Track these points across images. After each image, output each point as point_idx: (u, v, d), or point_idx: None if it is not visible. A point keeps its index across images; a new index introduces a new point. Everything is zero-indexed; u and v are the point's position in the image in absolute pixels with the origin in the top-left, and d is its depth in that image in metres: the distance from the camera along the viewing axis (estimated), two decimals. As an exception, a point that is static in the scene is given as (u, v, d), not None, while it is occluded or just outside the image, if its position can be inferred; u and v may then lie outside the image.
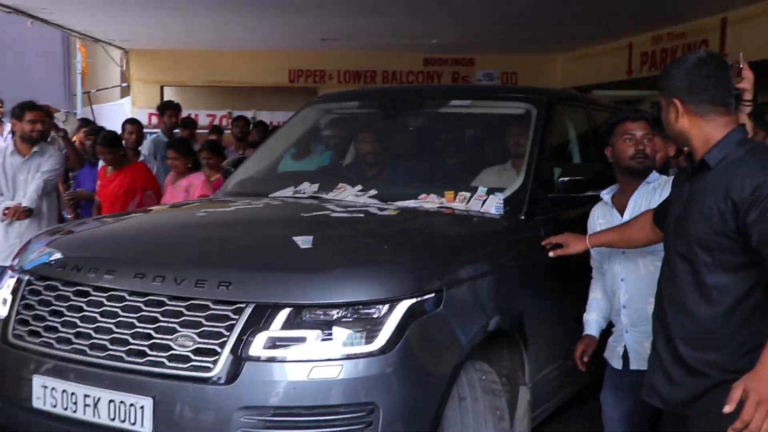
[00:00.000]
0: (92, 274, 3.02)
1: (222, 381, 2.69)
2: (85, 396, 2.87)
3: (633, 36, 10.63)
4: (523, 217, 3.74)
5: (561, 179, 3.90)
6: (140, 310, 2.88)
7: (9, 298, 3.28)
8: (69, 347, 2.98)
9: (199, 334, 2.77)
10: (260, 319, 2.72)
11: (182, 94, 14.03)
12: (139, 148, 7.91)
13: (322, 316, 2.73)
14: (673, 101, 2.47)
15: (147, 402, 2.75)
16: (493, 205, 3.76)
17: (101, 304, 2.96)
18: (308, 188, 4.20)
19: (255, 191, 4.40)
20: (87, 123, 8.61)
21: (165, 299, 2.84)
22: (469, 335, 2.99)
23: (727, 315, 2.40)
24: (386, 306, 2.76)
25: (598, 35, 10.89)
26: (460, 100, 4.55)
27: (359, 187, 4.06)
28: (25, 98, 6.02)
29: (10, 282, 3.35)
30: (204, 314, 2.78)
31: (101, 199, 6.68)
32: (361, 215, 3.61)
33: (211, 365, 2.72)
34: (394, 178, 4.45)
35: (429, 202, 3.83)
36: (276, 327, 2.71)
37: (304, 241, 3.05)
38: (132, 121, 8.18)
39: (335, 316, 2.72)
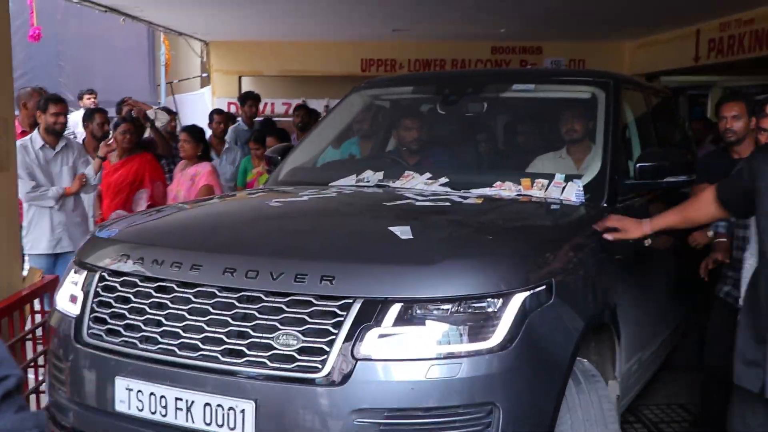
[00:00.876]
0: (175, 269, 2.80)
1: (332, 382, 2.49)
2: (177, 399, 2.66)
3: (700, 23, 10.57)
4: (605, 204, 3.57)
5: (640, 165, 3.73)
6: (234, 307, 2.67)
7: (80, 295, 3.05)
8: (155, 347, 2.77)
9: (304, 332, 2.56)
10: (370, 315, 2.51)
11: (259, 83, 14.39)
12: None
13: (435, 312, 2.53)
14: None
15: (248, 405, 2.55)
16: (574, 192, 3.59)
17: (189, 301, 2.75)
18: (372, 176, 3.99)
19: (312, 180, 4.19)
20: (170, 112, 9.03)
21: (261, 295, 2.63)
22: (578, 329, 2.81)
23: None
24: (500, 300, 2.56)
25: (666, 22, 10.87)
26: (521, 85, 4.36)
27: (428, 174, 3.86)
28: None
29: (78, 278, 3.13)
30: (307, 311, 2.57)
31: (104, 188, 6.57)
32: (447, 204, 3.41)
33: (319, 365, 2.51)
34: (457, 166, 4.24)
35: (505, 189, 3.65)
36: (388, 324, 2.51)
37: (403, 232, 2.85)
38: (219, 112, 8.70)
39: (450, 311, 2.53)
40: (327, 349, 2.52)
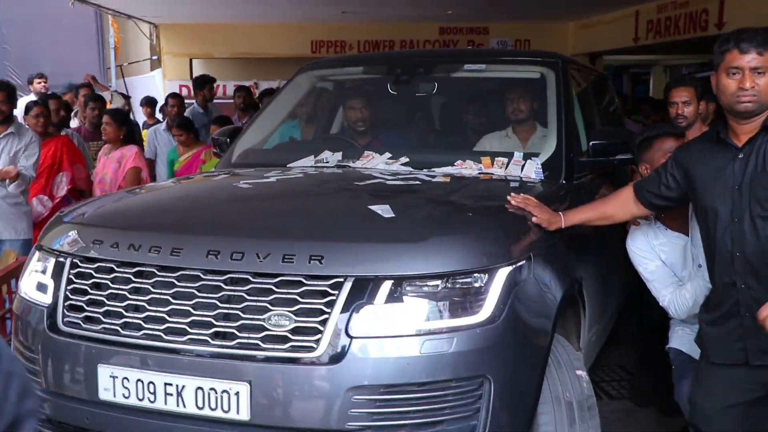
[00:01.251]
0: (154, 253, 2.74)
1: (328, 361, 2.50)
2: (166, 384, 2.62)
3: (639, 4, 10.94)
4: (563, 181, 3.68)
5: (593, 143, 3.86)
6: (221, 289, 2.64)
7: (50, 282, 2.96)
8: (140, 333, 2.71)
9: (296, 312, 2.55)
10: (362, 293, 2.53)
11: (210, 66, 14.21)
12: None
13: (425, 288, 2.57)
14: None
15: (243, 387, 2.53)
16: (533, 170, 3.67)
17: (172, 285, 2.70)
18: (330, 157, 3.98)
19: (269, 162, 4.14)
20: (124, 96, 9.38)
21: (249, 277, 2.61)
22: (557, 301, 2.90)
23: None
24: (486, 274, 2.63)
25: (607, 3, 11.16)
26: (472, 65, 4.42)
27: (388, 154, 3.88)
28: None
29: (45, 265, 3.03)
30: (298, 291, 2.56)
31: None
32: (418, 183, 3.43)
33: (314, 345, 2.52)
34: (409, 146, 4.25)
35: (466, 168, 3.71)
36: (380, 301, 2.53)
37: (384, 211, 2.87)
38: (174, 96, 8.68)
39: (440, 287, 2.57)
40: (321, 328, 2.52)
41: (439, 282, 2.58)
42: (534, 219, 3.01)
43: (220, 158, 4.54)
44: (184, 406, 2.60)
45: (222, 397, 2.55)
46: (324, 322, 2.52)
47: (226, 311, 2.62)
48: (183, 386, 2.61)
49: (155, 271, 2.74)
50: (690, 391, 3.09)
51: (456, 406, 2.54)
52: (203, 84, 8.86)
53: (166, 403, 2.63)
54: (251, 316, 2.59)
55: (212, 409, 2.57)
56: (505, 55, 4.69)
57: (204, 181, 3.92)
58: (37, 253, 3.15)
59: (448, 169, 3.70)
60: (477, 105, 4.48)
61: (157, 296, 2.72)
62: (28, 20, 11.34)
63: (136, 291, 2.76)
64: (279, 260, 2.60)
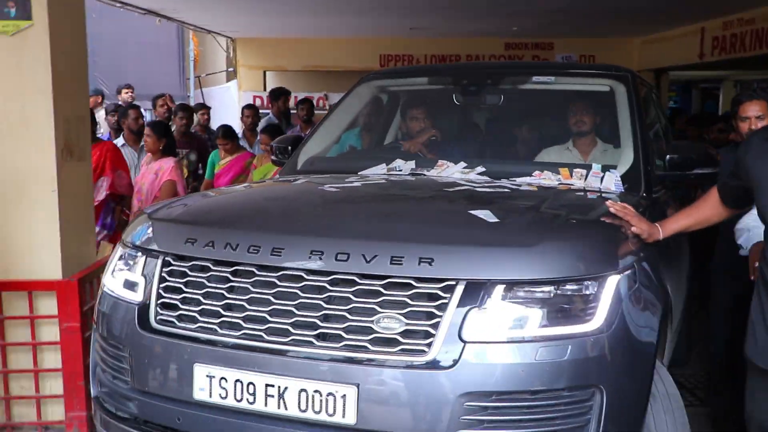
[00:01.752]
0: (253, 252, 2.67)
1: (440, 365, 2.42)
2: (267, 386, 2.54)
3: (705, 21, 11.08)
4: (644, 194, 3.62)
5: (670, 156, 3.81)
6: (326, 290, 2.56)
7: (141, 280, 2.89)
8: (239, 333, 2.64)
9: (406, 315, 2.48)
10: (475, 297, 2.46)
11: (283, 78, 15.00)
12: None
13: (537, 294, 2.49)
14: None
15: (350, 390, 2.45)
16: (613, 182, 3.62)
17: (273, 285, 2.63)
18: (404, 165, 3.92)
19: (337, 169, 4.08)
20: (203, 106, 9.99)
21: (355, 278, 2.54)
22: (659, 312, 2.83)
23: None
24: (597, 282, 2.55)
25: (672, 19, 11.38)
26: (541, 77, 4.37)
27: (463, 164, 3.82)
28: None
29: (136, 262, 2.95)
30: (407, 293, 2.49)
31: None
32: (507, 191, 3.35)
33: (425, 348, 2.44)
34: (483, 154, 4.19)
35: (545, 179, 3.65)
36: (493, 305, 2.45)
37: (487, 215, 2.80)
38: (249, 107, 9.39)
39: (552, 293, 2.50)
40: (432, 331, 2.44)
41: (551, 288, 2.50)
42: (633, 229, 2.95)
43: (278, 164, 4.50)
44: (286, 409, 2.52)
45: (327, 399, 2.47)
46: (436, 326, 2.44)
47: (332, 312, 2.55)
48: (285, 388, 2.52)
49: (254, 270, 2.66)
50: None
51: (567, 417, 2.46)
52: (278, 96, 9.44)
53: (266, 405, 2.55)
54: (359, 318, 2.52)
55: (316, 412, 2.49)
56: (575, 67, 4.63)
57: (285, 185, 3.85)
58: (121, 250, 3.09)
59: (527, 179, 3.64)
60: (545, 117, 4.44)
61: (258, 296, 2.64)
62: (116, 35, 12.06)
63: (234, 290, 2.69)
64: (387, 262, 2.52)
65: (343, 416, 2.46)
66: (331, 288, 2.56)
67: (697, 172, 3.78)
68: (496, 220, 2.77)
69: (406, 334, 2.47)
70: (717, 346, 4.46)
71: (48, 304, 4.19)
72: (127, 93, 9.85)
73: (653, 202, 3.63)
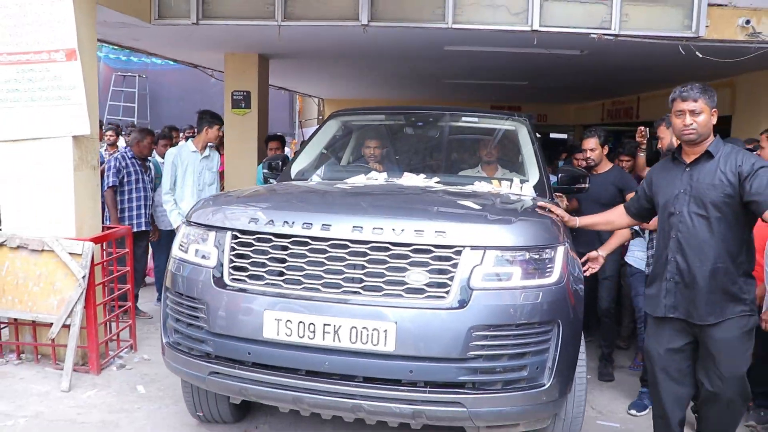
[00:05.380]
0: (306, 228, 3.02)
1: (456, 306, 2.87)
2: (325, 325, 2.87)
3: (604, 99, 15.31)
4: (549, 199, 4.31)
5: (561, 174, 4.59)
6: (366, 254, 2.94)
7: (212, 251, 3.18)
8: (300, 287, 2.96)
9: (429, 271, 2.92)
10: (477, 258, 2.91)
11: None
12: None
13: (519, 256, 2.98)
14: (713, 109, 3.29)
15: (390, 326, 2.83)
16: (529, 190, 4.31)
17: (325, 251, 2.98)
18: (378, 176, 4.32)
19: (328, 178, 4.45)
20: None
21: (389, 245, 2.96)
22: (581, 271, 3.44)
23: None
24: (552, 249, 3.08)
25: (589, 98, 15.54)
26: (469, 116, 5.07)
27: (423, 175, 4.29)
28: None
29: (206, 236, 3.22)
30: (429, 256, 2.91)
31: None
32: (470, 192, 3.83)
33: (445, 295, 2.87)
34: (432, 169, 4.71)
35: (483, 187, 4.25)
36: (489, 264, 2.91)
37: (472, 204, 3.39)
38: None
39: (528, 256, 2.99)
40: (449, 283, 2.88)
41: (527, 252, 2.99)
42: (561, 217, 3.57)
43: (270, 177, 4.88)
44: (339, 341, 2.86)
45: (372, 333, 2.84)
46: (451, 279, 2.88)
47: (373, 270, 2.92)
48: (339, 326, 2.87)
49: (308, 240, 3.01)
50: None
51: (538, 342, 2.96)
52: None
53: (323, 339, 2.87)
54: (394, 274, 2.90)
55: (363, 343, 2.84)
56: (491, 113, 5.34)
57: (305, 185, 4.14)
58: (187, 227, 3.34)
59: (471, 187, 4.16)
60: (468, 145, 5.11)
61: (313, 259, 2.98)
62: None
63: (295, 256, 3.00)
64: (412, 233, 2.94)
65: (385, 345, 2.84)
66: (371, 252, 2.95)
67: (577, 186, 4.60)
68: (479, 207, 3.37)
69: (429, 285, 2.89)
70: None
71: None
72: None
73: (555, 204, 4.36)
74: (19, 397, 4.24)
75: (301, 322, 2.93)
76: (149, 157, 6.53)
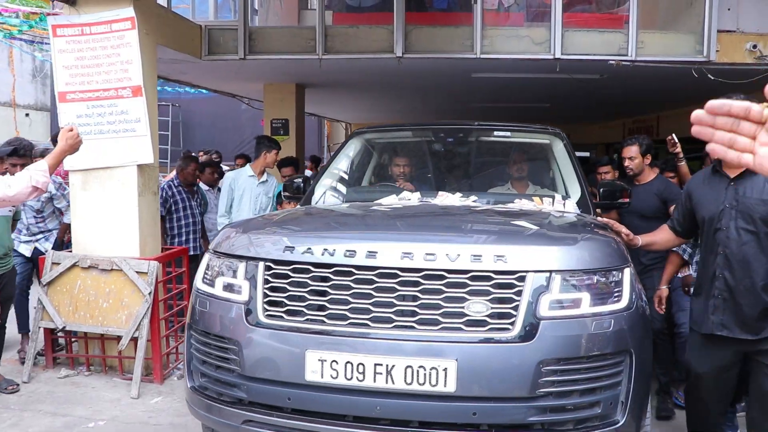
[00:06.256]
0: (349, 256, 2.65)
1: (522, 339, 2.50)
2: (376, 365, 2.49)
3: (625, 118, 15.27)
4: (593, 215, 3.97)
5: (602, 189, 4.23)
6: (419, 284, 2.57)
7: (245, 284, 2.79)
8: (346, 322, 2.59)
9: (490, 300, 2.57)
10: (543, 284, 2.56)
11: None
12: None
13: (585, 280, 2.63)
14: None
15: (451, 364, 2.46)
16: (572, 206, 3.96)
17: (372, 282, 2.61)
18: (411, 196, 3.97)
19: (355, 199, 4.10)
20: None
21: (444, 273, 2.59)
22: (645, 293, 3.13)
23: None
24: (619, 272, 2.72)
25: (610, 117, 15.57)
26: (501, 131, 4.70)
27: (459, 194, 3.96)
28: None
29: (235, 268, 2.84)
30: (490, 283, 2.55)
31: None
32: (517, 211, 3.50)
33: (509, 326, 2.51)
34: (463, 188, 4.33)
35: (525, 204, 3.86)
36: (556, 289, 2.56)
37: (529, 223, 3.02)
38: None
39: (596, 279, 2.64)
40: (514, 313, 2.51)
41: (594, 276, 2.64)
42: (623, 235, 3.26)
43: (289, 198, 4.53)
44: (393, 383, 2.49)
45: (431, 373, 2.46)
46: (516, 308, 2.52)
47: (428, 301, 2.56)
48: (393, 366, 2.49)
49: (353, 270, 2.64)
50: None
51: (610, 375, 2.60)
52: None
53: (374, 381, 2.50)
54: (451, 305, 2.53)
55: (420, 384, 2.47)
56: (526, 127, 4.97)
57: (338, 208, 3.75)
58: (213, 257, 2.96)
59: (511, 206, 3.80)
60: (501, 160, 4.75)
61: (359, 291, 2.61)
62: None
63: (337, 287, 2.63)
64: (469, 259, 2.58)
65: (445, 385, 2.46)
66: (425, 282, 2.57)
67: (620, 201, 4.25)
68: (536, 227, 3.00)
69: (491, 315, 2.53)
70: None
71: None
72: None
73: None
74: (95, 404, 4.61)
75: (348, 362, 2.56)
76: (196, 183, 6.57)
